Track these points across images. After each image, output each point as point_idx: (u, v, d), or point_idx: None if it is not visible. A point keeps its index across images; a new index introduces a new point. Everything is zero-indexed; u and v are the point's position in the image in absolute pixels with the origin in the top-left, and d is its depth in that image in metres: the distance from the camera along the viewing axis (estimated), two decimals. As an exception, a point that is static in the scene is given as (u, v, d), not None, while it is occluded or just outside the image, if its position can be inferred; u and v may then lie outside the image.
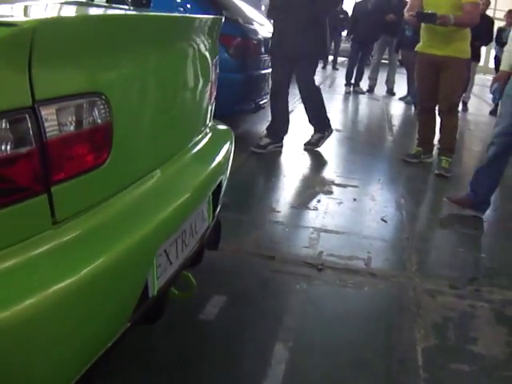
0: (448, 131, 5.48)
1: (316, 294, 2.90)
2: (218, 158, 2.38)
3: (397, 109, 9.81)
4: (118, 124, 1.51)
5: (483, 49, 13.18)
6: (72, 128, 1.35)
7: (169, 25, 1.93)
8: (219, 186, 2.38)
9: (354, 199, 4.43)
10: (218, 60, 2.56)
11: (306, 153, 5.88)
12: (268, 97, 6.11)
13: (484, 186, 4.06)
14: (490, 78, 10.83)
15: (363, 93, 10.91)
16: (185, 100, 2.15)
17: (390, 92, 11.16)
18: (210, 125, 2.56)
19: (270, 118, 5.80)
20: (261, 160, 5.40)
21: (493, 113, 10.21)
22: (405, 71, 10.32)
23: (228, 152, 2.56)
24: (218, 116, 5.28)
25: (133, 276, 1.58)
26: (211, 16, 2.36)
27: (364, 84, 11.38)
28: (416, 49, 5.58)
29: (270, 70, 6.26)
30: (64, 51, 1.31)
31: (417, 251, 3.52)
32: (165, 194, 1.86)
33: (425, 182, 5.30)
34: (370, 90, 11.18)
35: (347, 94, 10.77)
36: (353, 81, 10.99)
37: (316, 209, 4.13)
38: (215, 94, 2.59)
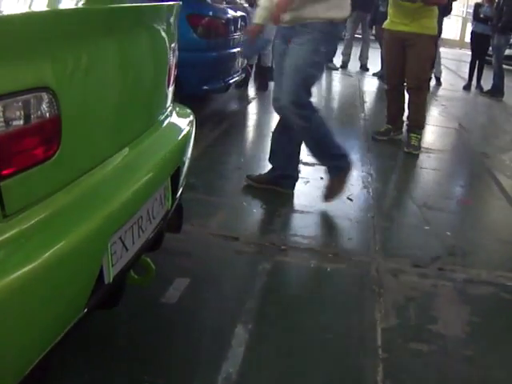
0: (416, 108, 5.48)
1: (278, 275, 2.89)
2: (176, 143, 2.37)
3: (370, 85, 9.79)
4: (67, 117, 1.50)
5: (459, 24, 13.03)
6: (19, 123, 1.34)
7: (120, 15, 1.87)
8: (178, 170, 2.35)
9: (321, 178, 4.38)
10: (176, 45, 2.54)
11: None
12: (238, 75, 6.09)
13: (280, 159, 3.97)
14: (468, 52, 10.87)
15: (336, 69, 10.85)
16: (141, 87, 2.10)
17: (364, 68, 11.13)
18: (169, 109, 2.52)
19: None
20: (230, 140, 5.36)
21: (467, 88, 10.25)
22: (379, 46, 10.26)
23: (187, 136, 2.53)
24: (188, 95, 5.27)
25: (86, 264, 1.59)
26: (166, 3, 2.31)
27: (337, 60, 11.29)
28: (383, 26, 5.55)
29: (240, 49, 6.22)
30: (7, 47, 1.28)
31: (381, 230, 3.52)
32: (119, 181, 1.84)
33: (394, 159, 5.29)
34: (344, 65, 11.12)
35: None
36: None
37: (287, 193, 4.09)
38: (173, 77, 2.57)
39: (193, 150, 4.52)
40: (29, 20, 1.41)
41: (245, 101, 7.32)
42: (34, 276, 1.32)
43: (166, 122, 2.43)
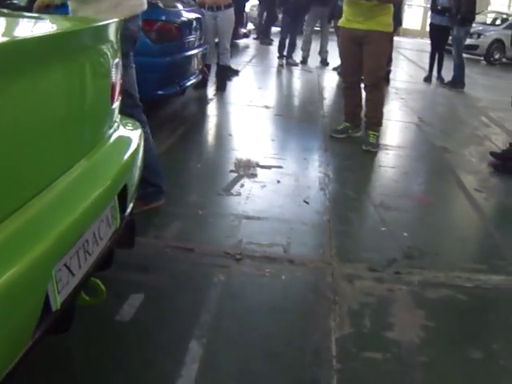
0: (373, 105, 5.50)
1: (233, 286, 2.86)
2: (121, 161, 2.33)
3: (329, 80, 9.79)
4: None
5: (421, 13, 12.84)
6: None
7: (45, 44, 1.82)
8: (125, 188, 2.31)
9: (278, 181, 4.39)
10: (120, 59, 2.50)
11: (232, 135, 5.81)
12: (195, 77, 6.07)
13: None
14: (427, 41, 10.92)
15: (296, 65, 10.84)
16: (77, 110, 2.05)
17: (324, 62, 11.14)
18: (115, 126, 2.49)
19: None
20: (186, 145, 5.30)
21: (427, 79, 10.32)
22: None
23: (135, 151, 2.50)
24: (143, 101, 5.21)
25: (29, 297, 1.56)
26: (101, 23, 2.28)
27: (297, 55, 11.30)
28: (338, 24, 5.56)
29: (196, 51, 6.18)
30: None
31: (337, 234, 3.51)
32: (60, 209, 1.82)
33: (352, 158, 5.29)
34: (304, 61, 11.11)
35: (280, 66, 10.69)
36: (285, 53, 10.88)
37: (239, 194, 4.08)
38: (119, 92, 2.53)
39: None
40: None
41: (203, 102, 7.26)
42: None
43: (111, 140, 2.39)
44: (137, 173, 2.57)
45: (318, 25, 11.36)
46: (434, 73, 10.46)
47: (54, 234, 1.68)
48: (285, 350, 2.37)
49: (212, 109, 7.08)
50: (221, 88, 7.67)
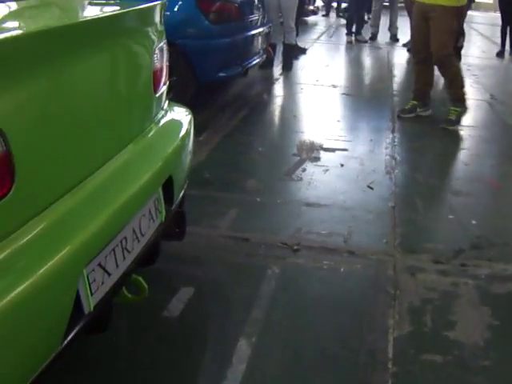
0: (448, 82, 5.28)
1: (288, 279, 2.75)
2: (163, 153, 2.24)
3: (400, 57, 9.44)
4: (21, 153, 1.41)
5: None
6: None
7: (76, 33, 1.73)
8: (170, 180, 2.23)
9: (342, 165, 4.23)
10: (164, 43, 2.40)
11: (296, 116, 5.67)
12: (258, 57, 5.96)
13: None
14: (498, 15, 10.39)
15: (365, 41, 10.52)
16: (113, 103, 1.98)
17: (394, 38, 10.76)
18: (160, 114, 2.41)
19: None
20: (249, 128, 5.20)
21: (500, 55, 9.82)
22: (407, 15, 9.90)
23: (181, 141, 2.42)
24: (204, 83, 5.15)
25: (57, 300, 1.51)
26: (143, 5, 2.18)
27: (367, 32, 10.97)
28: None
29: (259, 30, 6.04)
30: None
31: (402, 222, 3.34)
32: (92, 208, 1.75)
33: (421, 139, 5.04)
34: (373, 37, 10.77)
35: (349, 43, 10.39)
36: (354, 29, 10.58)
37: (300, 179, 3.95)
38: (164, 78, 2.44)
39: (209, 141, 4.46)
40: None
41: (268, 82, 7.13)
42: None
43: (154, 130, 2.31)
44: (184, 162, 2.49)
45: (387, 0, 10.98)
46: (507, 47, 9.92)
47: (84, 234, 1.62)
48: (337, 351, 2.25)
49: (277, 89, 6.95)
50: (286, 67, 7.52)
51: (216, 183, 3.87)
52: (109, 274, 1.79)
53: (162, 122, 2.42)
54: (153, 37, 2.28)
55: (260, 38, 6.13)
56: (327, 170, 4.12)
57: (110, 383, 2.09)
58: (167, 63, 2.48)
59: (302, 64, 8.19)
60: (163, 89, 2.43)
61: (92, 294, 1.67)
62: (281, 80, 7.29)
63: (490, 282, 2.74)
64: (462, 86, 5.30)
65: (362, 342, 2.30)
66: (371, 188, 3.80)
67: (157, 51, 2.31)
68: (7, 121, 1.37)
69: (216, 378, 2.11)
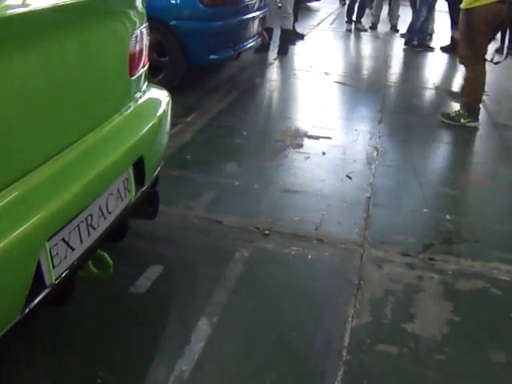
0: (464, 84, 5.19)
1: (255, 263, 2.77)
2: (135, 134, 2.26)
3: (397, 48, 9.37)
4: None
5: None
6: None
7: (51, 16, 1.74)
8: (141, 160, 2.25)
9: (324, 153, 4.25)
10: (145, 27, 2.44)
11: (285, 102, 5.67)
12: (252, 41, 5.95)
13: None
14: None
15: (365, 30, 10.47)
16: (84, 83, 1.98)
17: (394, 29, 10.70)
18: (135, 97, 2.43)
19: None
20: (237, 111, 5.20)
21: (499, 51, 9.75)
22: (409, 4, 9.88)
23: (156, 123, 2.45)
24: (196, 65, 5.15)
25: (18, 270, 1.58)
26: None
27: (367, 20, 10.92)
28: None
29: (254, 15, 6.02)
30: None
31: (375, 213, 3.35)
32: (57, 185, 1.78)
33: (409, 131, 5.04)
34: (373, 26, 10.72)
35: (348, 31, 10.34)
36: (354, 17, 10.54)
37: (280, 165, 3.97)
38: (143, 61, 2.47)
39: (195, 122, 4.46)
40: None
41: (261, 67, 7.12)
42: None
43: (127, 112, 2.33)
44: (158, 144, 2.51)
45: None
46: (507, 43, 9.84)
47: (46, 209, 1.66)
48: (295, 336, 2.28)
49: (269, 74, 6.93)
50: (282, 52, 7.51)
51: (196, 165, 3.89)
52: (72, 249, 1.84)
53: (138, 103, 2.43)
54: (130, 21, 2.29)
55: (255, 23, 6.11)
56: (308, 158, 4.13)
57: (67, 357, 2.12)
58: (147, 46, 2.49)
59: (298, 50, 8.18)
60: (141, 71, 2.44)
61: (54, 267, 1.73)
62: (274, 65, 7.28)
63: (455, 277, 2.76)
64: (475, 98, 5.11)
65: (320, 329, 2.33)
66: (350, 178, 3.82)
67: (135, 35, 2.31)
68: None
69: (173, 354, 2.14)
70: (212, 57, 5.39)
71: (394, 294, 2.58)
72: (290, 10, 7.30)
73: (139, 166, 2.26)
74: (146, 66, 2.53)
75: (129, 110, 2.32)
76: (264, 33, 6.85)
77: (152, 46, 5.10)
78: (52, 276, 1.72)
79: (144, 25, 2.42)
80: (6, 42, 1.51)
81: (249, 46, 6.08)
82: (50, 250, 1.69)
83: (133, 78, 2.34)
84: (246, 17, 5.81)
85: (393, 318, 2.42)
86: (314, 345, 2.23)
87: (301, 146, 4.36)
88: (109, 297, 2.44)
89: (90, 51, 2.00)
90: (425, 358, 2.20)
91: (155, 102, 2.58)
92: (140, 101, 2.46)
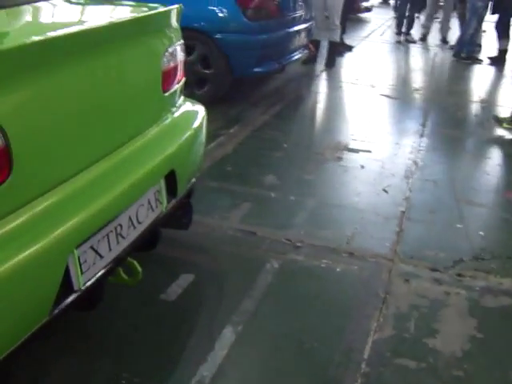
0: None
1: (284, 274, 2.85)
2: (166, 149, 2.36)
3: (446, 60, 9.24)
4: (19, 147, 1.59)
5: None
6: None
7: (78, 40, 1.88)
8: (173, 173, 2.37)
9: (362, 166, 4.30)
10: (178, 45, 2.53)
11: (328, 114, 5.74)
12: (298, 53, 6.07)
13: None
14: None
15: (414, 42, 10.40)
16: (116, 101, 2.11)
17: (444, 40, 10.55)
18: (169, 113, 2.54)
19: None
20: (280, 124, 5.29)
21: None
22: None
23: (187, 138, 2.55)
24: (240, 78, 5.27)
25: (45, 276, 1.71)
26: (151, 12, 2.34)
27: (418, 32, 10.84)
28: None
29: (299, 27, 6.10)
30: None
31: (408, 228, 3.39)
32: (85, 198, 1.90)
33: (450, 146, 5.05)
34: (423, 38, 10.62)
35: (397, 43, 10.29)
36: (404, 29, 10.50)
37: (318, 178, 4.05)
38: (178, 77, 2.57)
39: (238, 134, 4.58)
40: None
41: (307, 79, 7.19)
42: None
43: (160, 128, 2.43)
44: (192, 157, 2.61)
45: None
46: None
47: (75, 219, 1.78)
48: (316, 347, 2.34)
49: (315, 86, 7.01)
50: (329, 64, 7.56)
51: (235, 176, 4.00)
52: (101, 257, 1.97)
53: (171, 118, 2.54)
54: (164, 39, 2.41)
55: (300, 35, 6.19)
56: (347, 171, 4.19)
57: (95, 358, 2.25)
58: (182, 62, 2.60)
59: (345, 62, 8.22)
60: (175, 87, 2.55)
61: (82, 273, 1.85)
62: (321, 77, 7.34)
63: (482, 294, 2.77)
64: None
65: (342, 340, 2.39)
66: (386, 191, 3.85)
67: (168, 52, 2.42)
68: (8, 119, 1.55)
69: (196, 360, 2.24)
70: (256, 69, 5.50)
71: (419, 309, 2.62)
72: (337, 22, 7.34)
73: (171, 179, 2.38)
74: (182, 82, 2.64)
75: (162, 125, 2.44)
76: (310, 45, 6.93)
77: (197, 59, 5.28)
78: (80, 282, 1.85)
79: (178, 42, 2.53)
80: (53, 59, 1.69)
81: (294, 58, 6.17)
82: (78, 257, 1.82)
83: (166, 93, 2.45)
84: (290, 29, 5.91)
85: (415, 333, 2.46)
86: (335, 356, 2.29)
87: (340, 159, 4.42)
88: (140, 302, 2.57)
89: (124, 69, 2.14)
90: (443, 374, 2.24)
91: (189, 117, 2.69)
92: (174, 116, 2.57)
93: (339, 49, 8.05)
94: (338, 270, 2.90)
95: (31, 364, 2.12)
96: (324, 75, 7.40)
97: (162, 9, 2.40)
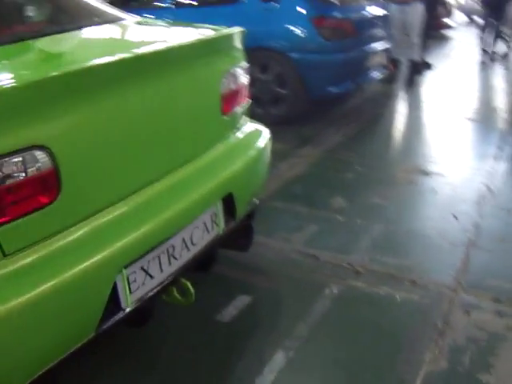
0: None
1: (342, 300, 2.86)
2: (224, 172, 2.43)
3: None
4: (67, 168, 1.70)
5: None
6: (12, 179, 1.58)
7: (140, 63, 2.00)
8: (231, 196, 2.44)
9: (434, 190, 4.24)
10: (240, 67, 2.61)
11: (404, 136, 5.69)
12: (377, 73, 6.09)
13: None
14: None
15: (500, 60, 9.98)
16: (173, 123, 2.20)
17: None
18: (229, 135, 2.60)
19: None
20: (353, 145, 5.28)
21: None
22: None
23: (247, 161, 2.60)
24: (315, 98, 5.31)
25: (91, 294, 1.81)
26: (216, 34, 2.45)
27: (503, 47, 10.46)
28: None
29: (377, 47, 6.08)
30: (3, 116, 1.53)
31: (475, 256, 3.31)
32: (135, 219, 1.99)
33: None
34: (508, 56, 10.24)
35: (482, 62, 9.88)
36: (489, 47, 10.12)
37: (388, 202, 4.01)
38: (240, 99, 2.64)
39: (310, 154, 4.61)
40: (19, 90, 1.60)
41: (385, 99, 7.13)
42: (26, 305, 1.58)
43: (218, 150, 2.49)
44: (252, 180, 2.66)
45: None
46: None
47: (125, 240, 1.88)
48: (366, 377, 2.35)
49: (392, 106, 6.93)
50: (408, 84, 7.48)
51: (303, 198, 4.04)
52: (151, 277, 2.06)
53: (230, 141, 2.60)
54: (224, 62, 2.48)
55: (377, 54, 6.17)
56: (418, 194, 4.17)
57: (144, 373, 2.36)
58: (244, 85, 2.66)
59: (425, 81, 8.08)
60: (236, 110, 2.60)
61: (131, 293, 1.95)
62: (399, 97, 7.28)
63: (547, 329, 2.69)
64: None
65: (394, 371, 2.38)
66: (455, 217, 3.78)
67: (229, 75, 2.49)
68: (56, 142, 1.67)
69: (244, 383, 2.31)
70: (331, 89, 5.54)
71: (477, 342, 2.56)
72: (416, 40, 7.25)
73: (229, 201, 2.44)
74: (244, 104, 2.69)
75: (220, 148, 2.49)
76: (389, 64, 6.88)
77: (272, 78, 5.36)
78: (128, 300, 1.94)
79: (240, 64, 2.59)
80: (109, 82, 1.83)
81: (371, 78, 6.16)
82: (127, 277, 1.92)
83: (226, 116, 2.50)
84: (367, 48, 5.92)
85: (469, 367, 2.41)
86: (385, 387, 2.28)
87: (413, 182, 4.38)
88: (194, 322, 2.66)
89: (182, 91, 2.22)
90: (495, 412, 2.19)
91: (251, 140, 2.73)
92: (234, 138, 2.62)
93: (420, 67, 7.93)
94: (397, 298, 2.88)
95: (79, 375, 2.23)
96: (403, 95, 7.33)
97: (224, 32, 2.48)
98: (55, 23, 2.69)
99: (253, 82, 5.33)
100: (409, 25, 7.15)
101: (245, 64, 2.65)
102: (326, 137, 5.40)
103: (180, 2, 6.01)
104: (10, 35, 2.30)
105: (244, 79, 2.65)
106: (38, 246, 1.68)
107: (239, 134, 2.68)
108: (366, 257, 3.24)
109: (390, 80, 7.45)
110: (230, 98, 2.52)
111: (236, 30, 2.55)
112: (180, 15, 5.67)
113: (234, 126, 2.65)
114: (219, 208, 2.41)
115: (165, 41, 2.49)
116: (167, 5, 6.00)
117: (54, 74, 1.71)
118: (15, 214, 1.60)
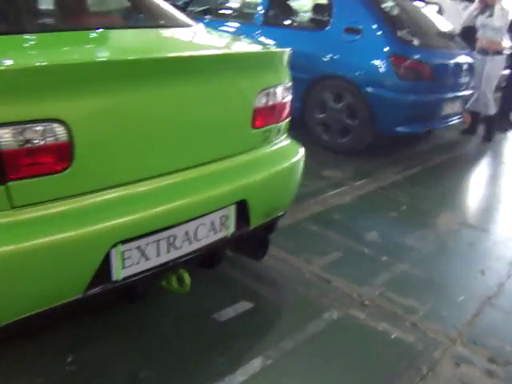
0: None
1: (338, 326, 2.94)
2: (239, 179, 2.58)
3: None
4: (82, 143, 1.94)
5: None
6: (28, 144, 1.82)
7: (161, 66, 2.19)
8: (244, 203, 2.57)
9: (470, 244, 4.22)
10: (282, 86, 2.75)
11: (460, 188, 5.65)
12: (450, 121, 6.11)
13: None
14: None
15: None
16: (197, 124, 2.38)
17: None
18: (257, 148, 2.73)
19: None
20: (407, 188, 5.28)
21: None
22: None
23: (269, 174, 2.73)
24: (383, 135, 5.36)
25: (79, 258, 2.02)
26: (257, 51, 2.63)
27: None
28: None
29: (455, 95, 6.06)
30: (29, 90, 1.79)
31: (487, 313, 3.30)
32: (139, 202, 2.18)
33: None
34: None
35: None
36: None
37: (419, 245, 4.04)
38: (278, 117, 2.79)
39: (362, 187, 4.68)
40: (47, 70, 1.85)
41: (458, 148, 7.06)
42: (24, 251, 1.84)
43: (239, 160, 2.63)
44: (272, 192, 2.77)
45: None
46: None
47: (124, 218, 2.09)
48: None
49: (462, 157, 6.78)
50: (485, 138, 7.23)
51: (339, 225, 4.13)
52: (147, 259, 2.24)
53: (257, 154, 2.73)
54: (264, 78, 2.63)
55: (454, 103, 6.13)
56: (452, 245, 4.15)
57: (131, 349, 2.57)
58: (283, 104, 2.79)
59: (506, 139, 7.89)
60: (270, 126, 2.74)
61: (123, 268, 2.15)
62: (472, 150, 7.15)
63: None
64: None
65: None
66: (483, 273, 3.77)
67: (266, 91, 2.63)
68: (74, 119, 1.90)
69: (214, 378, 2.45)
70: (400, 129, 5.58)
71: (456, 397, 2.58)
72: (490, 96, 7.02)
73: (243, 208, 2.58)
74: (281, 122, 2.81)
75: (243, 158, 2.64)
76: (466, 114, 6.82)
77: (344, 108, 5.46)
78: (119, 274, 2.14)
79: (282, 84, 2.72)
80: (143, 77, 2.07)
81: (444, 124, 6.15)
82: (122, 252, 2.11)
83: (256, 130, 2.64)
84: (442, 94, 5.91)
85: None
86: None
87: (452, 231, 4.37)
88: (191, 315, 2.83)
89: (215, 97, 2.40)
90: None
91: (279, 156, 2.85)
92: (261, 152, 2.75)
93: (501, 124, 7.75)
94: (392, 336, 2.92)
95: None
96: (477, 148, 7.20)
97: (270, 49, 2.63)
98: (132, 20, 3.11)
99: (324, 109, 5.53)
100: (484, 77, 6.91)
101: (288, 83, 2.77)
102: (385, 174, 5.44)
103: (269, 21, 6.19)
104: (94, 23, 2.70)
105: (284, 98, 2.77)
106: (43, 206, 1.92)
107: (269, 149, 2.80)
108: (377, 291, 3.30)
109: (470, 131, 7.36)
110: (263, 114, 2.66)
111: (284, 50, 2.69)
112: (267, 33, 5.86)
113: (265, 140, 2.76)
114: (232, 212, 2.55)
115: (214, 48, 2.67)
116: (255, 21, 6.20)
117: (98, 59, 2.02)
118: (29, 174, 1.85)
